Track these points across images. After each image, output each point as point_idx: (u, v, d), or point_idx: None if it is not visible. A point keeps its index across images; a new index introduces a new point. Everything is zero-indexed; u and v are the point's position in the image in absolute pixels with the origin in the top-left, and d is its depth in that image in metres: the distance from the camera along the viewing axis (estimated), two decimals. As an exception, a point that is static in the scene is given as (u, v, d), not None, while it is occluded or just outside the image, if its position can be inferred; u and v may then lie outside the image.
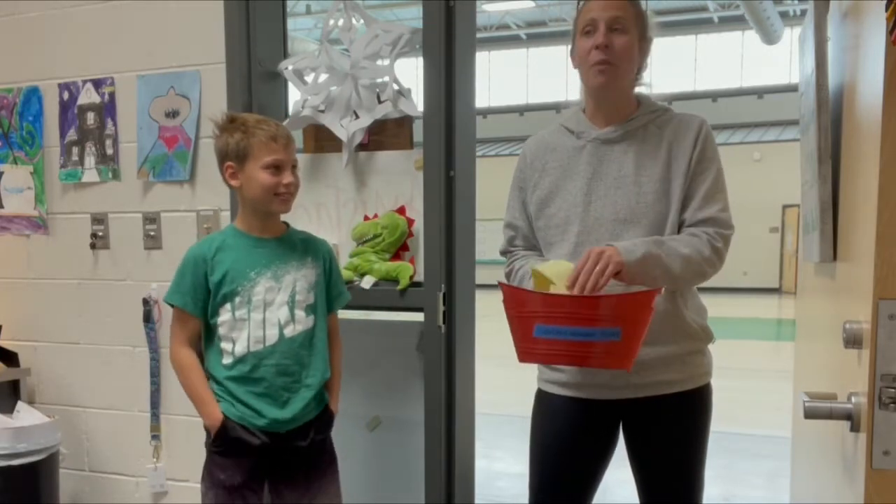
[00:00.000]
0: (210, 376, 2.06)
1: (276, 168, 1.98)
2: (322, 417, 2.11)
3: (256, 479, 2.08)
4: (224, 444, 2.05)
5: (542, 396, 1.97)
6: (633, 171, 1.81)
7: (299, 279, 2.06)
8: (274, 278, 2.03)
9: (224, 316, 2.02)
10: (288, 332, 2.03)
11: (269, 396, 2.03)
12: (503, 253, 2.02)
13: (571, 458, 1.92)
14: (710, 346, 1.92)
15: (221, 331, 2.03)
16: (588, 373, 1.84)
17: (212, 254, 2.02)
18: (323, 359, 2.10)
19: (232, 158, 2.00)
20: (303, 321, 2.06)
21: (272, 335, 2.02)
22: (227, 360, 2.03)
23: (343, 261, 2.56)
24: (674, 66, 19.32)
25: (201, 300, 2.03)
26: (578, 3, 1.86)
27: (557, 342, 1.64)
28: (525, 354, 1.71)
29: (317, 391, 2.09)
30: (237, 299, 2.01)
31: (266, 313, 2.02)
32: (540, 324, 1.64)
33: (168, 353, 2.81)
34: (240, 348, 2.02)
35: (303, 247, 2.10)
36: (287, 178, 1.99)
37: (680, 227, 1.81)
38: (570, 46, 1.89)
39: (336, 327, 2.20)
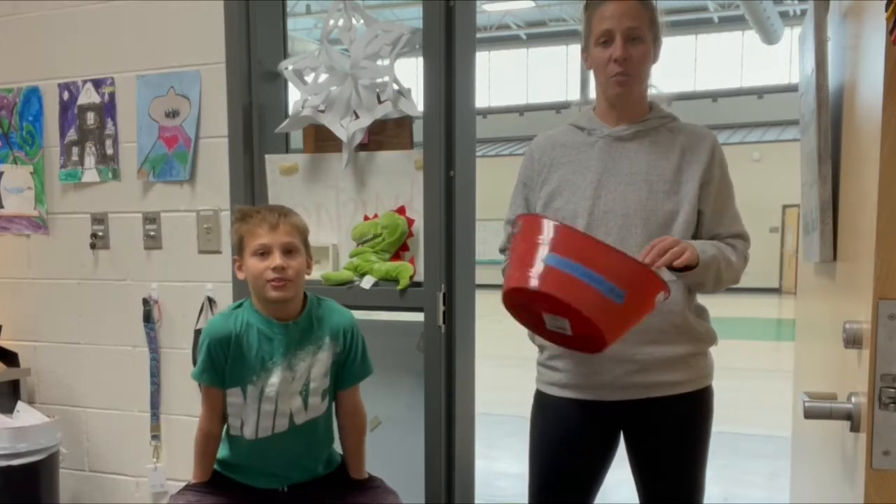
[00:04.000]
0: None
1: (264, 253, 1.92)
2: (335, 479, 2.10)
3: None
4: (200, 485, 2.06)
5: (540, 398, 1.96)
6: (644, 168, 1.83)
7: (315, 365, 2.00)
8: (289, 368, 1.98)
9: (234, 398, 1.99)
10: (299, 419, 2.01)
11: (268, 474, 2.05)
12: (502, 250, 2.01)
13: (571, 460, 1.91)
14: (712, 347, 1.93)
15: (230, 409, 2.01)
16: (589, 374, 1.84)
17: (235, 334, 1.97)
18: (331, 436, 2.10)
19: (236, 252, 2.00)
20: (316, 408, 2.02)
21: (282, 424, 2.00)
22: (233, 432, 2.03)
23: (343, 261, 2.56)
24: (674, 66, 19.32)
25: (224, 375, 2.00)
26: (587, 4, 1.86)
27: (562, 276, 1.58)
28: (521, 280, 1.62)
29: (324, 461, 2.10)
30: (249, 388, 1.98)
31: (278, 404, 1.98)
32: (556, 254, 1.59)
33: (169, 354, 2.84)
34: (247, 431, 2.01)
35: (319, 326, 2.02)
36: (274, 261, 1.90)
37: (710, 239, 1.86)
38: (581, 45, 1.90)
39: (357, 402, 2.11)
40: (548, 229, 1.65)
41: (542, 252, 1.60)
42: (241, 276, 2.00)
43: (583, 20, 1.88)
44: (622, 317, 1.61)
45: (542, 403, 1.96)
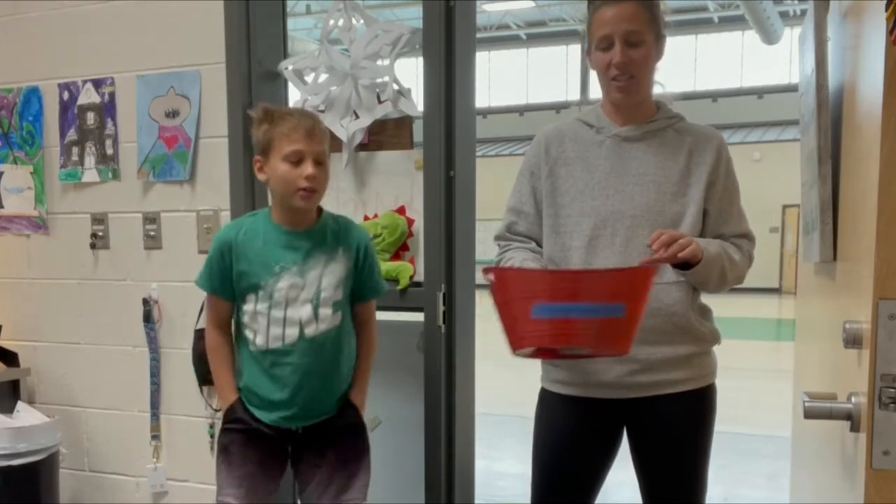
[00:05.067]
0: (240, 356, 2.06)
1: (297, 160, 1.90)
2: (343, 418, 2.07)
3: (274, 459, 2.07)
4: (234, 422, 2.05)
5: (545, 396, 1.96)
6: (653, 169, 1.83)
7: (326, 275, 1.98)
8: (299, 274, 1.96)
9: (248, 305, 1.99)
10: (309, 331, 1.97)
11: (284, 398, 2.00)
12: (498, 238, 1.99)
13: (574, 458, 1.92)
14: (715, 346, 1.93)
15: (245, 319, 2.01)
16: (593, 372, 1.84)
17: (237, 240, 1.98)
18: (350, 362, 2.07)
19: (259, 151, 1.97)
20: (328, 319, 1.99)
21: (291, 334, 1.97)
22: (251, 348, 2.01)
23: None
24: (674, 66, 19.29)
25: (229, 284, 2.00)
26: (589, 5, 1.86)
27: (560, 322, 1.57)
28: (522, 340, 1.63)
29: (338, 393, 2.06)
30: (260, 293, 1.97)
31: (287, 311, 1.96)
32: (542, 303, 1.57)
33: (169, 354, 2.84)
34: (259, 341, 1.99)
35: (334, 237, 2.02)
36: (307, 170, 1.89)
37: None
38: (585, 46, 1.90)
39: (369, 315, 2.12)
40: (524, 280, 1.64)
41: (530, 305, 1.58)
42: (262, 177, 1.98)
43: (586, 22, 1.88)
44: (630, 322, 1.61)
45: (546, 401, 1.96)
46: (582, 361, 1.84)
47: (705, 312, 1.90)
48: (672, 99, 1.94)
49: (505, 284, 1.64)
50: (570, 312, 1.57)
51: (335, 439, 2.07)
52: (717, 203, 1.85)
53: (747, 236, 1.89)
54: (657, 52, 1.84)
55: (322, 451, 2.07)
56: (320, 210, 2.05)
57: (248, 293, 1.99)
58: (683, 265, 1.74)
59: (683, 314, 1.81)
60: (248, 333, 2.01)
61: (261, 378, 2.01)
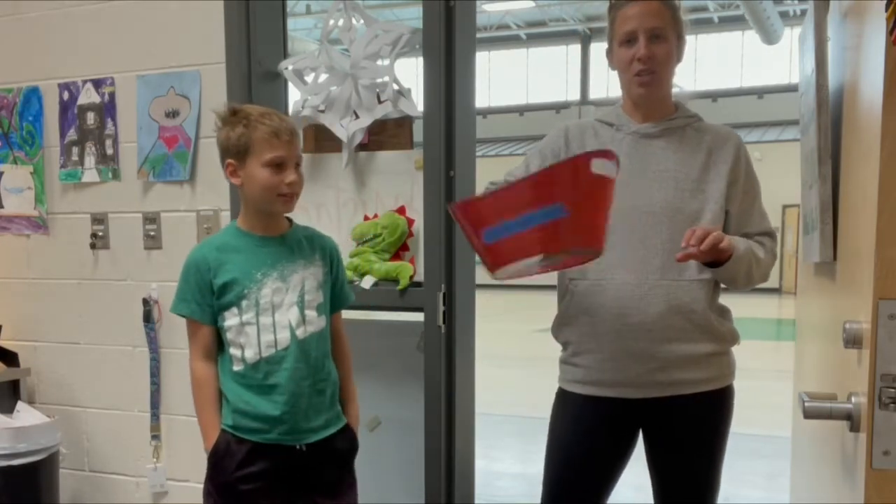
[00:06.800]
0: (223, 384, 1.96)
1: (278, 166, 1.85)
2: (342, 439, 2.01)
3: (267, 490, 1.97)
4: (224, 465, 1.97)
5: (563, 396, 1.96)
6: (672, 166, 1.84)
7: (307, 278, 1.95)
8: (281, 278, 1.92)
9: (231, 320, 1.91)
10: (300, 333, 1.93)
11: (283, 406, 1.91)
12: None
13: (590, 458, 1.92)
14: (734, 347, 1.94)
15: (229, 335, 1.92)
16: (611, 370, 1.84)
17: (213, 256, 1.92)
18: (332, 368, 2.03)
19: (232, 155, 1.89)
20: (314, 322, 1.95)
21: (284, 338, 1.91)
22: (237, 367, 1.92)
23: (343, 261, 2.56)
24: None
25: (209, 306, 1.92)
26: (611, 5, 1.86)
27: (514, 238, 1.57)
28: (493, 266, 1.63)
29: (330, 398, 2.00)
30: (244, 303, 1.90)
31: (276, 316, 1.91)
32: (487, 228, 1.59)
33: (169, 354, 2.84)
34: (250, 354, 1.91)
35: (308, 244, 1.99)
36: (290, 176, 1.86)
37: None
38: (606, 47, 1.91)
39: (341, 325, 2.10)
40: (463, 213, 1.65)
41: (480, 234, 1.61)
42: (236, 181, 1.91)
43: (607, 22, 1.89)
44: (582, 221, 1.57)
45: (564, 401, 1.95)
46: (599, 360, 1.84)
47: (724, 312, 1.90)
48: (688, 98, 1.95)
49: (459, 218, 1.66)
50: (511, 229, 1.56)
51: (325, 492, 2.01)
52: (739, 203, 1.86)
53: (769, 234, 1.90)
54: (678, 52, 1.85)
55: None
56: (290, 219, 2.02)
57: (230, 307, 1.92)
58: (713, 263, 1.74)
59: (702, 312, 1.82)
60: (235, 351, 1.93)
61: (252, 396, 1.92)
